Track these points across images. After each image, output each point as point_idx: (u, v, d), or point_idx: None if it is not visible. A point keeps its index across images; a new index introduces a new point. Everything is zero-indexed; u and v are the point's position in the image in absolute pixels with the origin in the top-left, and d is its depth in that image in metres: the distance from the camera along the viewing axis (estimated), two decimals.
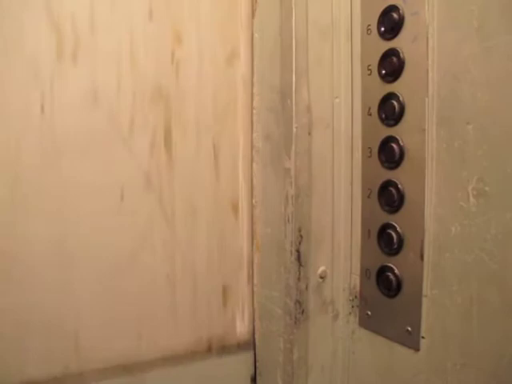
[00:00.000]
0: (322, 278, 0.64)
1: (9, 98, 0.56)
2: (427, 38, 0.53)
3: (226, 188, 0.69)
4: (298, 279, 0.63)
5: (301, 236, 0.62)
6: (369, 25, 0.60)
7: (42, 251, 0.59)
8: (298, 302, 0.63)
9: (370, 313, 0.63)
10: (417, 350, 0.56)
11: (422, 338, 0.55)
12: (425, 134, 0.54)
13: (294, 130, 0.61)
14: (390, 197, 0.58)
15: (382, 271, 0.60)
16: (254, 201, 0.69)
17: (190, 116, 0.66)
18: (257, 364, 0.72)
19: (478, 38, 0.49)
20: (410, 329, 0.56)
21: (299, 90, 0.61)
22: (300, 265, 0.62)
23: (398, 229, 0.57)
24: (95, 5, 0.60)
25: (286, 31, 0.62)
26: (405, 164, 0.57)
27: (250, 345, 0.72)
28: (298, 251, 0.62)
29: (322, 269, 0.64)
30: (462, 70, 0.51)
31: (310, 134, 0.62)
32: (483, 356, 0.50)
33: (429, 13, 0.53)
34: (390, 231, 0.58)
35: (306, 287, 0.63)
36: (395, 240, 0.57)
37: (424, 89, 0.54)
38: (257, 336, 0.71)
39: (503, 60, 0.48)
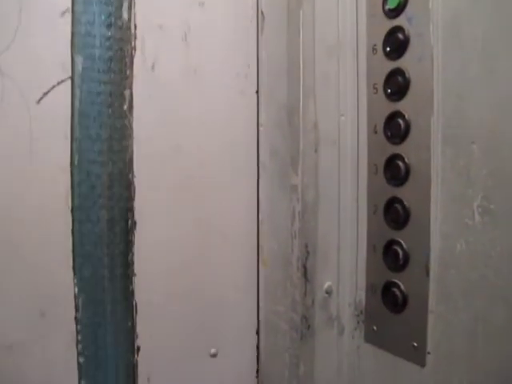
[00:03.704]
0: (327, 293, 0.65)
1: None
2: (432, 59, 0.54)
3: None
4: (305, 294, 0.63)
5: (307, 252, 0.63)
6: (374, 44, 0.61)
7: None
8: (304, 317, 0.63)
9: (375, 328, 0.63)
10: (423, 365, 0.56)
11: (428, 353, 0.56)
12: (430, 152, 0.55)
13: (301, 146, 0.62)
14: (395, 213, 0.59)
15: (388, 287, 0.60)
16: (260, 216, 0.70)
17: None
18: (260, 379, 0.72)
19: (482, 60, 0.50)
20: (415, 344, 0.57)
21: (306, 108, 0.62)
22: (306, 280, 0.63)
23: (404, 245, 0.58)
24: None
25: (293, 49, 0.63)
26: (410, 181, 0.57)
27: None
28: (304, 267, 0.63)
29: (328, 284, 0.65)
30: (467, 91, 0.52)
31: (316, 150, 0.63)
32: (489, 373, 0.51)
33: (434, 34, 0.54)
34: (396, 247, 0.59)
35: (312, 302, 0.64)
36: (401, 256, 0.58)
37: (429, 108, 0.55)
38: (261, 351, 0.72)
39: (507, 81, 0.49)
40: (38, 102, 0.57)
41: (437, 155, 0.54)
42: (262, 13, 0.69)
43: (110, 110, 0.61)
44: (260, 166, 0.70)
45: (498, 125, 0.49)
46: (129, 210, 0.63)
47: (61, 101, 0.59)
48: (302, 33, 0.62)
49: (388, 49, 0.59)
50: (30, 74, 0.57)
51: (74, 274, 0.60)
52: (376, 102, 0.61)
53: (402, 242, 0.58)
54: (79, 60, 0.59)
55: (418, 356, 0.57)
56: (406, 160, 0.58)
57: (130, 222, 0.63)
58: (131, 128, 0.62)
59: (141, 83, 0.63)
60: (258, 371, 0.72)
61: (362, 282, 0.65)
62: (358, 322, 0.66)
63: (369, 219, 0.63)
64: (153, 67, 0.64)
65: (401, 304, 0.58)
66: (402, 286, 0.59)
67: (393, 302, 0.59)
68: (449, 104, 0.53)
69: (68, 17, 0.58)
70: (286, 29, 0.65)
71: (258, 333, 0.72)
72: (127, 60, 0.62)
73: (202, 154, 0.68)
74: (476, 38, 0.50)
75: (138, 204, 0.63)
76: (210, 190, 0.68)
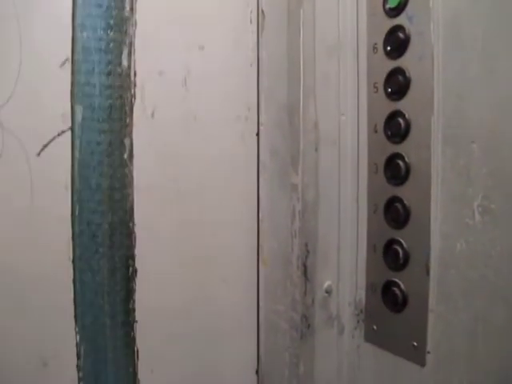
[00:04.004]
0: (327, 292, 0.65)
1: None
2: (432, 58, 0.54)
3: None
4: (305, 293, 0.63)
5: (307, 251, 0.63)
6: (375, 43, 0.61)
7: None
8: (304, 317, 0.63)
9: (375, 327, 0.63)
10: (422, 365, 0.56)
11: (428, 353, 0.56)
12: (430, 151, 0.55)
13: (302, 146, 0.62)
14: (395, 213, 0.59)
15: (388, 286, 0.60)
16: (260, 215, 0.70)
17: None
18: (260, 378, 0.72)
19: (482, 60, 0.51)
20: (415, 344, 0.57)
21: (306, 107, 0.62)
22: (306, 279, 0.63)
23: (404, 244, 0.58)
24: None
25: (293, 48, 0.63)
26: (410, 181, 0.57)
27: None
28: (304, 266, 0.63)
29: (327, 283, 0.65)
30: (467, 90, 0.52)
31: (316, 150, 0.63)
32: (489, 373, 0.51)
33: (434, 33, 0.54)
34: (396, 247, 0.59)
35: (312, 302, 0.64)
36: (401, 255, 0.58)
37: (429, 107, 0.55)
38: (261, 350, 0.72)
39: (507, 81, 0.49)
40: (39, 154, 0.57)
41: (437, 155, 0.54)
42: (262, 12, 0.69)
43: (109, 160, 0.60)
44: (260, 165, 0.70)
45: (498, 125, 0.49)
46: (130, 257, 0.62)
47: (61, 152, 0.58)
48: (303, 32, 0.62)
49: (388, 48, 0.59)
50: (30, 127, 0.57)
51: (76, 322, 0.60)
52: (376, 102, 0.61)
53: (402, 241, 0.58)
54: (79, 110, 0.58)
55: (417, 355, 0.57)
56: (406, 159, 0.58)
57: (131, 269, 0.63)
58: (131, 176, 0.62)
59: (141, 131, 0.62)
60: (257, 370, 0.72)
61: (362, 282, 0.65)
62: (358, 322, 0.66)
63: (369, 218, 0.63)
64: (152, 114, 0.63)
65: (401, 303, 0.58)
66: (402, 286, 0.59)
67: (393, 301, 0.59)
68: (449, 104, 0.53)
69: (68, 67, 0.58)
70: (287, 28, 0.65)
71: (257, 372, 0.72)
72: (127, 108, 0.61)
73: (203, 200, 0.67)
74: (476, 37, 0.50)
75: (138, 251, 0.63)
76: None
